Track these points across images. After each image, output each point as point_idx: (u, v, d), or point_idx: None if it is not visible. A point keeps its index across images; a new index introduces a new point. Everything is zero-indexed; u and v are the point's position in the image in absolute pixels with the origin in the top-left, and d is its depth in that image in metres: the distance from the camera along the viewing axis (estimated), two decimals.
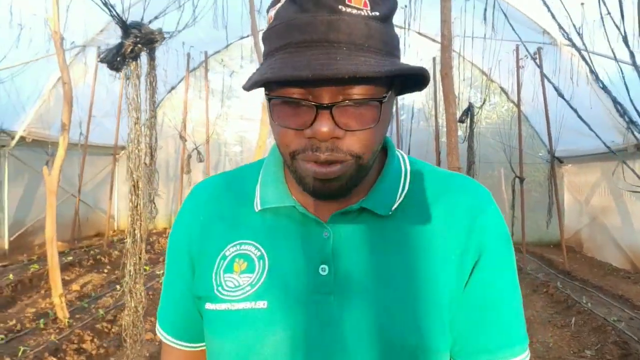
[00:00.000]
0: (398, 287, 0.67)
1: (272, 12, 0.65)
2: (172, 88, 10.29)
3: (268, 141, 6.03)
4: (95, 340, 4.06)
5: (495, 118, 10.04)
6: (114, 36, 6.76)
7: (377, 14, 0.62)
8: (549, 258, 7.78)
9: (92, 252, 7.55)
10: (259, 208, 0.74)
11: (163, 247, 8.57)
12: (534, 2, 4.87)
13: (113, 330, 4.34)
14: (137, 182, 2.61)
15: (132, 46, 2.35)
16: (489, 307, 0.70)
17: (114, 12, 2.29)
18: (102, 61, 2.44)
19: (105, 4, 2.28)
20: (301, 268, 0.69)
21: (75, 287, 5.72)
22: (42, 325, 4.24)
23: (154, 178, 2.87)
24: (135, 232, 2.76)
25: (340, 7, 0.59)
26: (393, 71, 0.59)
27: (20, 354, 3.62)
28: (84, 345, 3.93)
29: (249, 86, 0.63)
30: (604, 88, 4.41)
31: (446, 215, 0.72)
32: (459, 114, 6.24)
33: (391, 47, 0.64)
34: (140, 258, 2.85)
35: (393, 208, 0.71)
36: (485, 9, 6.01)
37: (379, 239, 0.70)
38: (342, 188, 0.65)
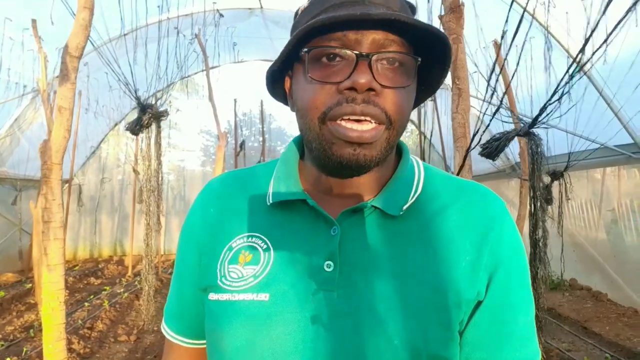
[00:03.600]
0: (403, 288, 0.65)
1: (305, 2, 0.69)
2: (116, 124, 11.04)
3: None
4: (80, 342, 4.88)
5: (411, 144, 11.74)
6: (45, 74, 7.50)
7: (406, 2, 0.69)
8: None
9: None
10: (271, 201, 0.73)
11: (112, 273, 9.23)
12: None
13: (93, 335, 5.16)
14: (149, 207, 3.62)
15: (147, 120, 3.40)
16: (504, 321, 0.68)
17: (138, 100, 3.35)
18: (127, 129, 3.44)
19: (131, 92, 3.32)
20: (306, 263, 0.68)
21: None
22: (32, 334, 5.00)
23: (161, 202, 3.87)
24: (150, 241, 3.74)
25: None
26: (433, 28, 0.61)
27: (23, 354, 4.40)
28: (72, 346, 4.75)
29: (288, 44, 0.64)
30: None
31: (459, 221, 0.70)
32: None
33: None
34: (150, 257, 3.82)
35: (404, 208, 0.69)
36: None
37: (388, 238, 0.68)
38: (369, 159, 0.63)
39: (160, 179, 3.83)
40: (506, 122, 2.63)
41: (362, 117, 0.61)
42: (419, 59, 0.64)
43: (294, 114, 0.72)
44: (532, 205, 2.44)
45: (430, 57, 0.67)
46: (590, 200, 6.27)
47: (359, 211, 0.69)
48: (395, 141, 0.66)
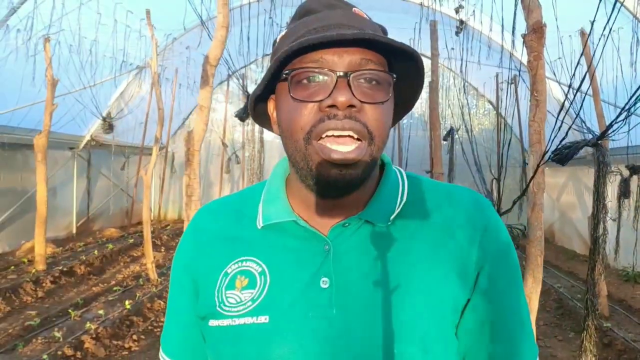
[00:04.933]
0: (400, 298, 0.66)
1: (283, 33, 0.74)
2: None
3: None
4: None
5: (488, 124, 11.65)
6: (167, 58, 8.25)
7: (378, 25, 0.72)
8: (523, 245, 9.36)
9: None
10: (261, 225, 0.74)
11: None
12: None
13: None
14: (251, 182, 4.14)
15: None
16: (497, 319, 0.69)
17: (246, 91, 3.83)
18: (235, 116, 3.97)
19: (244, 89, 3.82)
20: (302, 282, 0.69)
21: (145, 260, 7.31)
22: (142, 283, 5.85)
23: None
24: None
25: (350, 11, 0.70)
26: (405, 46, 0.64)
27: (136, 298, 5.21)
28: None
29: (270, 68, 0.66)
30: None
31: (446, 224, 0.71)
32: (444, 134, 7.85)
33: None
34: None
35: (392, 218, 0.71)
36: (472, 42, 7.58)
37: (379, 250, 0.69)
38: (354, 178, 0.65)
39: (262, 159, 4.33)
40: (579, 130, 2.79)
41: (345, 133, 0.63)
42: (394, 76, 0.67)
43: None
44: (595, 207, 2.64)
45: (404, 74, 0.70)
46: None
47: (349, 225, 0.71)
48: (377, 156, 0.68)
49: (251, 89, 7.88)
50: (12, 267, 6.29)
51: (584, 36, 4.93)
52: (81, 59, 6.79)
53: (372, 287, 0.67)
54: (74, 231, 9.08)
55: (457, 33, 5.06)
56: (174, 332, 0.81)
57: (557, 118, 2.08)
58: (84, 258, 6.76)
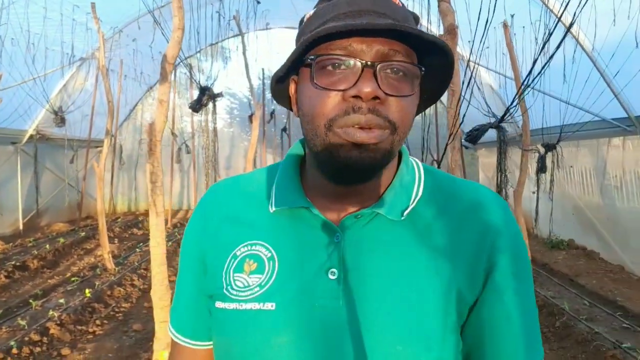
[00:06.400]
0: (408, 294, 0.66)
1: (310, 12, 0.70)
2: (150, 87, 11.78)
3: None
4: (139, 279, 5.83)
5: (429, 110, 12.30)
6: (112, 50, 8.25)
7: (412, 11, 0.70)
8: None
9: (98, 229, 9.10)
10: (274, 209, 0.73)
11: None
12: None
13: (148, 274, 6.10)
14: (207, 170, 4.39)
15: (207, 100, 4.12)
16: (504, 321, 0.68)
17: (199, 84, 4.07)
18: (189, 107, 4.18)
19: (194, 80, 4.02)
20: (311, 271, 0.69)
21: (100, 252, 7.37)
22: (99, 272, 5.97)
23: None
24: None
25: None
26: (437, 39, 0.62)
27: (95, 287, 5.35)
28: (134, 282, 5.70)
29: (295, 51, 0.65)
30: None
31: (459, 223, 0.70)
32: None
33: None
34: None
35: (405, 213, 0.70)
36: None
37: (391, 244, 0.69)
38: (374, 162, 0.64)
39: (216, 149, 4.57)
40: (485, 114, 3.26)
41: (367, 127, 0.62)
42: (423, 69, 0.65)
43: None
44: (498, 177, 3.11)
45: (433, 67, 0.68)
46: (590, 168, 6.85)
47: (361, 217, 0.70)
48: (398, 147, 0.66)
49: (200, 78, 8.02)
50: None
51: (506, 28, 5.47)
52: (25, 52, 6.69)
53: (380, 282, 0.67)
54: (21, 227, 8.92)
55: None
56: (182, 308, 0.82)
57: (467, 102, 2.50)
58: (36, 252, 6.74)
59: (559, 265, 6.78)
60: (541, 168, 5.06)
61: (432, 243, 0.69)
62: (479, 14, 2.60)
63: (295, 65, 0.69)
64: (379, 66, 0.62)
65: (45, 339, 3.97)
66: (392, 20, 0.63)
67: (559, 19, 3.01)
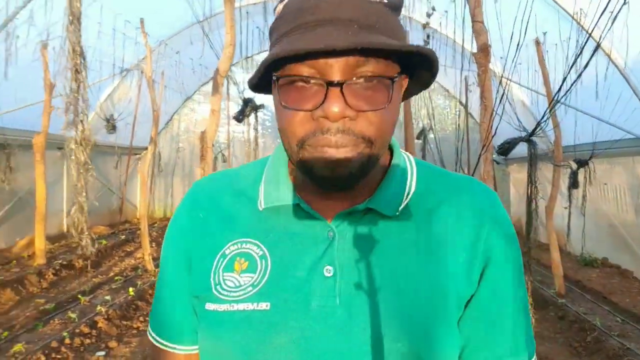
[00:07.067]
0: (405, 290, 0.65)
1: (280, 6, 0.65)
2: (187, 98, 12.24)
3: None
4: None
5: (460, 123, 12.38)
6: (153, 61, 8.63)
7: (386, 1, 0.63)
8: None
9: (137, 232, 9.49)
10: (263, 206, 0.71)
11: None
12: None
13: None
14: None
15: (249, 111, 4.39)
16: (499, 314, 0.69)
17: (242, 94, 4.34)
18: (233, 118, 4.45)
19: (239, 92, 4.30)
20: (305, 269, 0.67)
21: (140, 254, 7.71)
22: (140, 273, 6.28)
23: None
24: None
25: None
26: (404, 47, 0.58)
27: (137, 286, 5.65)
28: None
29: (259, 69, 0.61)
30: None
31: (454, 217, 0.70)
32: (417, 133, 8.56)
33: (400, 35, 0.63)
34: None
35: (400, 208, 0.69)
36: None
37: (385, 240, 0.68)
38: (351, 176, 0.62)
39: (256, 158, 4.82)
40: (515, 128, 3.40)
41: (340, 150, 0.60)
42: (395, 76, 0.61)
43: None
44: (529, 188, 3.22)
45: (417, 62, 0.64)
46: (624, 186, 6.78)
47: (355, 213, 0.68)
48: (378, 154, 0.64)
49: (232, 90, 8.32)
50: (14, 261, 6.63)
51: (539, 45, 5.56)
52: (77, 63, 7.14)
53: (377, 278, 0.66)
54: (65, 229, 9.37)
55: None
56: (164, 310, 0.78)
57: (499, 118, 2.64)
58: (81, 253, 7.10)
59: (592, 282, 6.72)
60: (573, 184, 5.09)
61: (427, 237, 0.69)
62: (512, 33, 2.75)
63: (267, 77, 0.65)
64: (344, 85, 0.59)
65: (94, 332, 4.25)
66: (359, 26, 0.59)
67: (590, 35, 3.12)
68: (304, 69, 0.59)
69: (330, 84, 0.58)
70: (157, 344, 0.78)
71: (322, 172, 0.62)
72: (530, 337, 0.72)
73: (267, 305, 0.66)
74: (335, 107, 0.58)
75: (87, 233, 3.57)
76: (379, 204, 0.68)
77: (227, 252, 0.70)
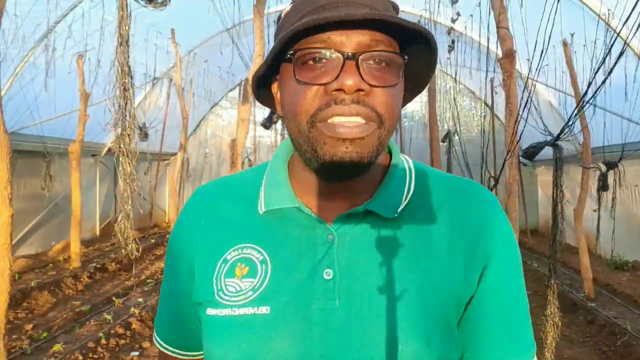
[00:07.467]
0: (404, 293, 0.66)
1: (288, 7, 0.70)
2: (214, 105, 12.49)
3: None
4: None
5: (486, 125, 12.28)
6: (182, 69, 8.87)
7: (390, 2, 0.68)
8: (520, 240, 9.97)
9: (166, 236, 9.72)
10: (263, 210, 0.72)
11: None
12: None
13: None
14: None
15: (277, 118, 4.48)
16: (498, 315, 0.69)
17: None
18: (261, 124, 4.57)
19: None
20: (305, 272, 0.67)
21: None
22: None
23: None
24: None
25: None
26: (417, 26, 0.61)
27: None
28: None
29: (274, 47, 0.63)
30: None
31: (453, 219, 0.70)
32: (441, 136, 8.52)
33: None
34: None
35: (398, 210, 0.69)
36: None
37: (385, 242, 0.68)
38: (361, 156, 0.62)
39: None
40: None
41: (352, 119, 0.61)
42: (406, 57, 0.64)
43: None
44: (554, 192, 3.22)
45: (415, 55, 0.67)
46: None
47: (354, 215, 0.69)
48: (386, 140, 0.66)
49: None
50: (50, 265, 6.90)
51: (566, 46, 5.51)
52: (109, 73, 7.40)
53: (377, 280, 0.66)
54: (98, 233, 9.68)
55: (449, 51, 5.64)
56: (170, 318, 0.79)
57: (524, 122, 2.66)
58: (114, 256, 7.35)
59: (622, 286, 6.59)
60: (602, 186, 5.02)
61: (426, 240, 0.69)
62: (537, 35, 2.76)
63: (276, 63, 0.68)
64: (360, 57, 0.61)
65: (128, 333, 4.41)
66: (371, 9, 0.63)
67: (618, 34, 3.10)
68: (320, 44, 0.61)
69: (346, 57, 0.61)
70: (163, 350, 0.80)
71: (333, 151, 0.61)
72: (531, 338, 0.72)
73: (267, 309, 0.66)
74: (350, 79, 0.59)
75: (132, 239, 3.70)
76: (378, 206, 0.69)
77: (228, 257, 0.71)
